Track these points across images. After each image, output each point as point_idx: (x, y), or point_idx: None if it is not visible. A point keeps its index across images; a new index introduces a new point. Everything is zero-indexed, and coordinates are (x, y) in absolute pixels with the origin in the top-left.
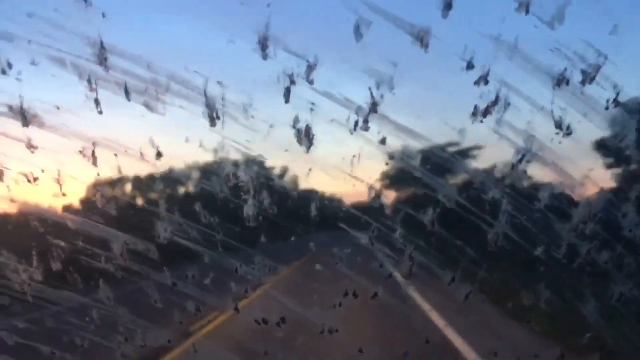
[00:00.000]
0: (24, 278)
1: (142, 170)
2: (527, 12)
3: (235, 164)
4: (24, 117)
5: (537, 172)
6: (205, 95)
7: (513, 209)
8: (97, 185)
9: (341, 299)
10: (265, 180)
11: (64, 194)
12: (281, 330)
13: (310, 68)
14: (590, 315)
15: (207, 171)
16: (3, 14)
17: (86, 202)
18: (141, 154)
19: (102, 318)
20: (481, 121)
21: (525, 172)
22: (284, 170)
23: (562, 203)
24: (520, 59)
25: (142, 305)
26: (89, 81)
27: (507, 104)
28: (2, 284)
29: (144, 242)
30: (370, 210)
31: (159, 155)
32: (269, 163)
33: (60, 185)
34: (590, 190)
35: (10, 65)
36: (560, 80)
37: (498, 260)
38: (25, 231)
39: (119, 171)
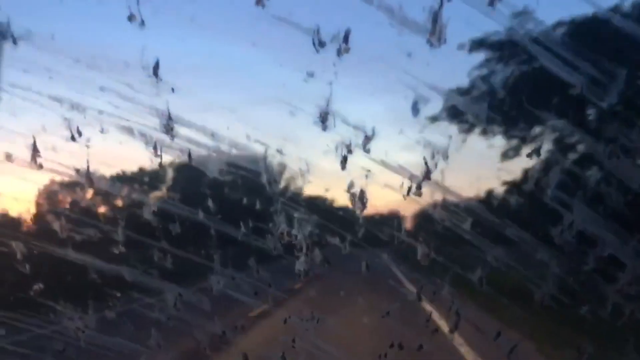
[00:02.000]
0: None
1: None
2: None
3: (290, 223)
4: (90, 179)
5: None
6: (265, 162)
7: (560, 271)
8: None
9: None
10: (317, 239)
11: None
12: None
13: (368, 139)
14: None
15: (262, 230)
16: (76, 88)
17: None
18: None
19: None
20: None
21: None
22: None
23: (608, 265)
24: None
25: None
26: (155, 147)
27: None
28: None
29: (197, 294)
30: (421, 267)
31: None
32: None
33: None
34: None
35: (80, 133)
36: None
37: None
38: None
39: None
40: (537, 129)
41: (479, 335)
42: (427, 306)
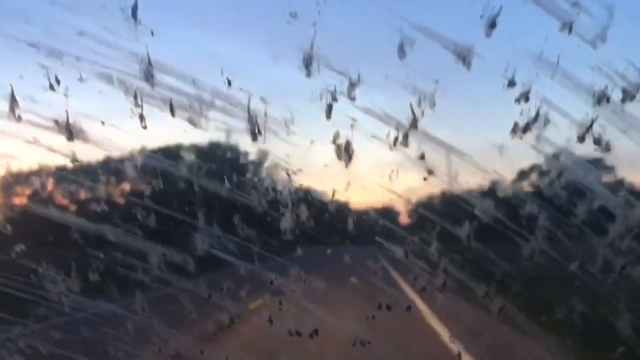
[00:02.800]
0: None
1: None
2: (570, 31)
3: (275, 178)
4: (70, 131)
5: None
6: (248, 111)
7: (550, 224)
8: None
9: (375, 312)
10: (303, 194)
11: None
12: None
13: (353, 85)
14: (624, 330)
15: (248, 185)
16: (52, 32)
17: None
18: None
19: None
20: (521, 138)
21: (563, 187)
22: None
23: (599, 218)
24: (561, 77)
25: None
26: (135, 97)
27: (548, 121)
28: None
29: (181, 254)
30: (406, 224)
31: (200, 168)
32: (308, 177)
33: None
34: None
35: (58, 81)
36: (601, 98)
37: (533, 275)
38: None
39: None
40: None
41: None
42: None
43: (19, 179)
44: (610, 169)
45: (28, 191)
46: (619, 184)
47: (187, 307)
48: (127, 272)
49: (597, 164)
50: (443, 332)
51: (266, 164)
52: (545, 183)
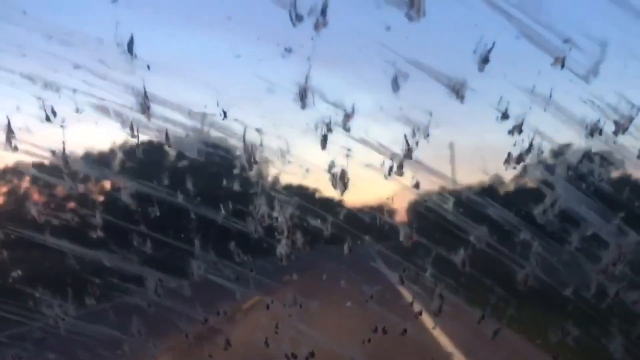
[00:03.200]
0: None
1: None
2: (562, 66)
3: (271, 205)
4: (66, 161)
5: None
6: (244, 141)
7: (543, 250)
8: None
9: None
10: (299, 221)
11: None
12: None
13: (347, 116)
14: (617, 353)
15: (244, 213)
16: (49, 65)
17: None
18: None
19: None
20: (514, 168)
21: (557, 215)
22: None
23: (592, 245)
24: (554, 109)
25: None
26: (132, 128)
27: (541, 152)
28: None
29: (177, 279)
30: (402, 250)
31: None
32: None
33: None
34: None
35: (54, 113)
36: (594, 130)
37: (528, 300)
38: None
39: None
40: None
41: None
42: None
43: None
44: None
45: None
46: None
47: None
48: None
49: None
50: None
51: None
52: (539, 210)
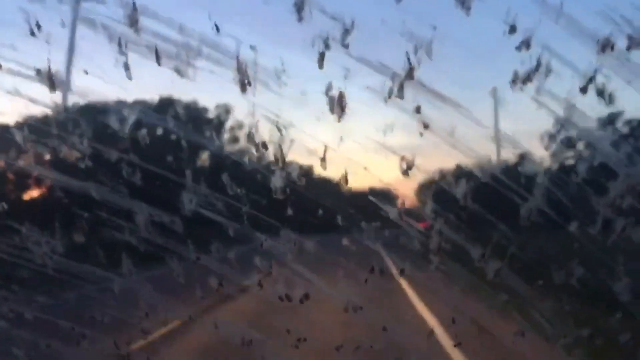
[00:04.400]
0: None
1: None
2: None
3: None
4: (52, 81)
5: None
6: (237, 60)
7: (549, 182)
8: None
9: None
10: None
11: None
12: None
13: (347, 32)
14: (623, 294)
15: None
16: None
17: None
18: None
19: None
20: (521, 89)
21: (563, 143)
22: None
23: (600, 176)
24: (565, 22)
25: None
26: (119, 44)
27: (549, 71)
28: None
29: (168, 214)
30: (400, 182)
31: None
32: (299, 132)
33: None
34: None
35: (39, 27)
36: (605, 46)
37: (531, 236)
38: None
39: None
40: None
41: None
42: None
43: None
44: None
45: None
46: (622, 139)
47: None
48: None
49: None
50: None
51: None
52: (547, 140)
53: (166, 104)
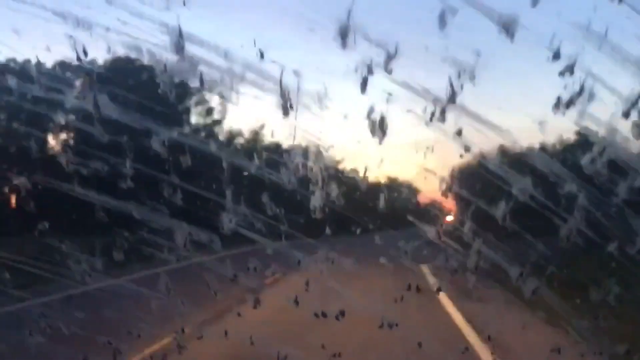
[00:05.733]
0: None
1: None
2: (620, 0)
3: (305, 155)
4: (97, 107)
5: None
6: (281, 84)
7: (589, 203)
8: None
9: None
10: (334, 172)
11: None
12: None
13: (390, 58)
14: None
15: (277, 162)
16: (81, 1)
17: None
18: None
19: None
20: (563, 114)
21: (605, 166)
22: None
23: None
24: (609, 49)
25: None
26: (165, 70)
27: (592, 96)
28: None
29: (208, 233)
30: (440, 203)
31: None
32: (340, 154)
33: None
34: None
35: (85, 53)
36: None
37: (570, 256)
38: None
39: None
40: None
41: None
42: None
43: None
44: None
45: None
46: None
47: None
48: None
49: None
50: None
51: None
52: (587, 160)
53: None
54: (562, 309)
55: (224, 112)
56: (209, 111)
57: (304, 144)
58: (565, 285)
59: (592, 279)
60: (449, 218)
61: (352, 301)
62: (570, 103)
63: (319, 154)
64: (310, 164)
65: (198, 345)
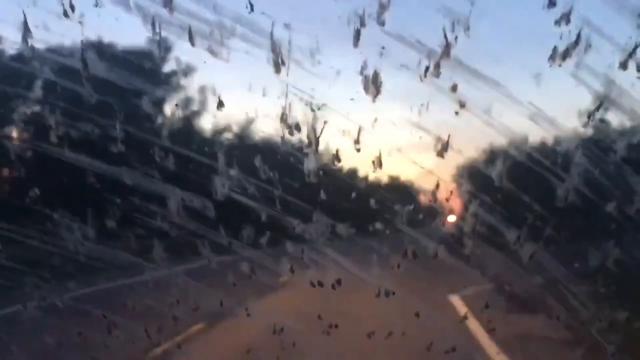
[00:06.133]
0: None
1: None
2: None
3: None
4: (85, 63)
5: (615, 120)
6: (272, 39)
7: (586, 161)
8: None
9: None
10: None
11: None
12: None
13: (383, 7)
14: None
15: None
16: None
17: None
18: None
19: None
20: (560, 65)
21: (601, 120)
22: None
23: (639, 154)
24: None
25: None
26: (153, 24)
27: (589, 46)
28: None
29: (200, 198)
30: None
31: (220, 105)
32: (333, 112)
33: None
34: None
35: (72, 8)
36: None
37: (567, 217)
38: None
39: None
40: None
41: None
42: None
43: None
44: None
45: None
46: None
47: None
48: None
49: None
50: None
51: None
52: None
53: None
54: (561, 275)
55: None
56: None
57: (296, 102)
58: (563, 249)
59: (591, 242)
60: (451, 218)
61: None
62: (566, 54)
63: (312, 112)
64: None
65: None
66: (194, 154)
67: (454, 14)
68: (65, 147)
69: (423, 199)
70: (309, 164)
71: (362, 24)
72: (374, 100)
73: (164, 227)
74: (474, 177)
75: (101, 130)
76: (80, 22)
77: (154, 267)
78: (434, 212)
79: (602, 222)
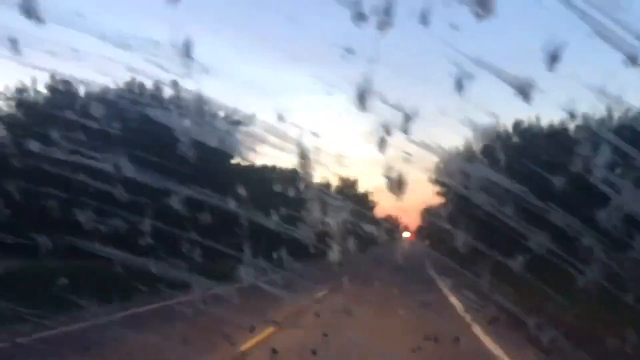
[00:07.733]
0: None
1: None
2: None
3: (324, 211)
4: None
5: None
6: (300, 146)
7: (606, 257)
8: None
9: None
10: (352, 227)
11: None
12: None
13: (408, 118)
14: None
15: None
16: (103, 70)
17: None
18: None
19: None
20: None
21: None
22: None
23: None
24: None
25: None
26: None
27: None
28: None
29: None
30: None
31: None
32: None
33: None
34: None
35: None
36: None
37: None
38: None
39: None
40: None
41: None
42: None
43: None
44: None
45: None
46: None
47: None
48: None
49: None
50: None
51: None
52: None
53: None
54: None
55: None
56: None
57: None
58: (589, 336)
59: (611, 329)
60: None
61: None
62: None
63: (337, 209)
64: (328, 219)
65: None
66: None
67: (476, 124)
68: None
69: None
70: (334, 255)
71: (388, 132)
72: (397, 199)
73: None
74: (495, 269)
75: None
76: None
77: None
78: None
79: (621, 310)
